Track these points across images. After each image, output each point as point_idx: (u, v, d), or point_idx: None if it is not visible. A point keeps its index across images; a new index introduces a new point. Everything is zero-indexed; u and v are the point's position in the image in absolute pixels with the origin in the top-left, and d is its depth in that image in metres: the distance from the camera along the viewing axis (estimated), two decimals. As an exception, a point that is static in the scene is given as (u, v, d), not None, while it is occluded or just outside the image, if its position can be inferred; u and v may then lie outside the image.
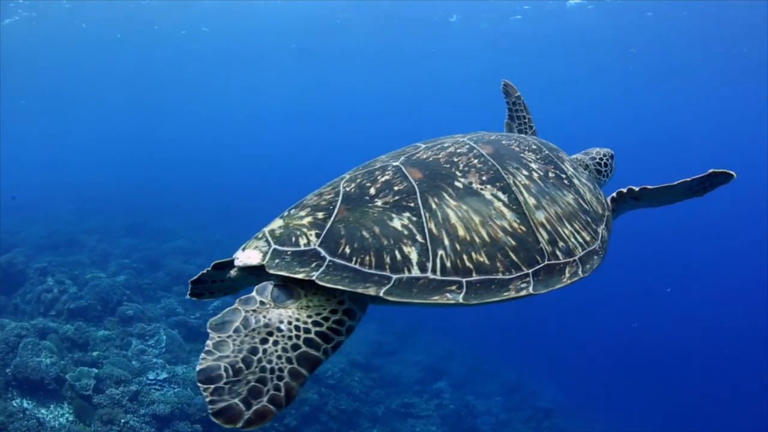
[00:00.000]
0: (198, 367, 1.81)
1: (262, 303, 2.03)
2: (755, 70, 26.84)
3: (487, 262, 2.15)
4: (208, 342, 1.88)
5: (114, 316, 10.82)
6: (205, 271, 2.62)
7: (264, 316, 1.98)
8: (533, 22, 25.76)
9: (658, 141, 46.53)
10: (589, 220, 2.57)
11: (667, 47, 26.57)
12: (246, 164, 47.06)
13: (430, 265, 2.10)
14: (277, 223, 2.34)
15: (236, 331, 1.92)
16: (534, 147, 2.74)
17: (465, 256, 2.14)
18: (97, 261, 14.48)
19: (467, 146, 2.54)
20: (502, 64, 30.22)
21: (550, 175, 2.59)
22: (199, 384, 1.77)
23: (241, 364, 1.83)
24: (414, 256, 2.10)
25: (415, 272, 2.08)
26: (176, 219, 22.26)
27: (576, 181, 2.70)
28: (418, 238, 2.14)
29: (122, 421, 7.88)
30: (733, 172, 2.69)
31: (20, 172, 33.15)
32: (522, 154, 2.62)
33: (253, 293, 2.06)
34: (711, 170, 2.68)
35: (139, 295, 12.30)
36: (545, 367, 17.15)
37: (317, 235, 2.17)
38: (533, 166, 2.57)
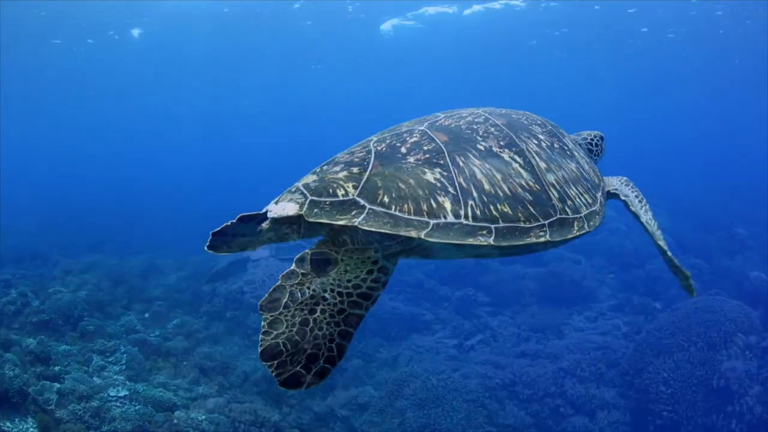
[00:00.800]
0: (260, 349, 2.05)
1: (303, 275, 2.21)
2: (749, 80, 27.74)
3: (510, 212, 2.39)
4: (263, 323, 2.11)
5: (75, 331, 10.75)
6: (229, 224, 2.59)
7: (308, 288, 2.19)
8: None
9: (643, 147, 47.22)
10: (589, 186, 2.87)
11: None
12: (206, 181, 46.61)
13: (462, 212, 2.31)
14: (310, 178, 2.44)
15: (286, 306, 2.14)
16: (539, 122, 3.03)
17: (491, 207, 2.37)
18: (59, 275, 14.32)
19: (483, 117, 2.79)
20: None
21: (555, 146, 2.88)
22: (263, 363, 2.01)
23: (297, 337, 2.08)
24: (448, 205, 2.30)
25: (450, 219, 2.28)
26: (137, 236, 22.07)
27: (576, 154, 3.00)
28: (450, 189, 2.34)
29: (85, 437, 7.89)
30: (694, 290, 2.95)
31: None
32: (530, 127, 2.89)
33: (293, 267, 2.23)
34: (686, 272, 2.93)
35: (100, 312, 12.21)
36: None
37: (355, 187, 2.31)
38: (540, 137, 2.85)
